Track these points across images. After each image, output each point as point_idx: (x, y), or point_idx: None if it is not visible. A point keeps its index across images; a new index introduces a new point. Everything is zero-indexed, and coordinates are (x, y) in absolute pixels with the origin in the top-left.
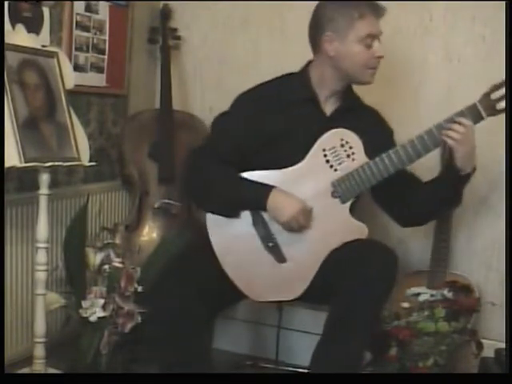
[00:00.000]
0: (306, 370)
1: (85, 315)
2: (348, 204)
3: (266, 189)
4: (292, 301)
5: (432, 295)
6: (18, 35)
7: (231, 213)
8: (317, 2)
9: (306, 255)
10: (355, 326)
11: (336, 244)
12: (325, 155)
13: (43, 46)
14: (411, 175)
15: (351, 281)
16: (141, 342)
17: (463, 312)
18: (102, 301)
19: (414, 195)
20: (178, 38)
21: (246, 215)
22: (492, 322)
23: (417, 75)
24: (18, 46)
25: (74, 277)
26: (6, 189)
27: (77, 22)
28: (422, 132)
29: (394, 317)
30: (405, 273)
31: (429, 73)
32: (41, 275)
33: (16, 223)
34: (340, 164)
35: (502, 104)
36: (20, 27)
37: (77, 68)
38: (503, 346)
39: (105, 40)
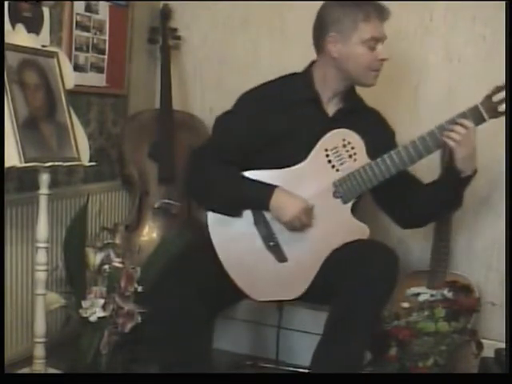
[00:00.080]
0: (306, 370)
1: (85, 315)
2: (349, 204)
3: (269, 188)
4: (293, 300)
5: (432, 295)
6: (18, 35)
7: (233, 212)
8: (321, 2)
9: (307, 255)
10: (356, 326)
11: (337, 244)
12: (327, 155)
13: (43, 46)
14: (412, 177)
15: (352, 281)
16: (141, 342)
17: (463, 312)
18: (101, 301)
19: (415, 197)
20: (178, 38)
21: (248, 214)
22: (492, 322)
23: (417, 75)
24: (18, 46)
25: (74, 277)
26: (6, 189)
27: (77, 21)
28: (424, 133)
29: (394, 317)
30: (405, 273)
31: (429, 73)
32: (41, 275)
33: (16, 223)
34: (342, 164)
35: (504, 106)
36: (20, 27)
37: (77, 68)
38: (503, 345)
39: (105, 40)
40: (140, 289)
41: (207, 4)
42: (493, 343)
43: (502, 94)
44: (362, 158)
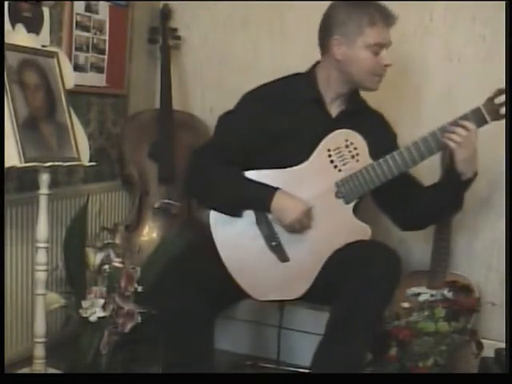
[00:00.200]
0: (307, 371)
1: (85, 315)
2: (352, 204)
3: (270, 190)
4: (294, 300)
5: (432, 295)
6: (18, 35)
7: (233, 212)
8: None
9: (308, 255)
10: (357, 327)
11: (339, 244)
12: (329, 155)
13: (43, 46)
14: (413, 179)
15: (354, 281)
16: (141, 342)
17: (463, 312)
18: (101, 301)
19: (415, 199)
20: (178, 38)
21: (250, 214)
22: (492, 322)
23: (417, 75)
24: (18, 46)
25: (73, 277)
26: (6, 189)
27: (77, 21)
28: (426, 134)
29: (394, 317)
30: (405, 273)
31: (429, 73)
32: (41, 275)
33: (16, 223)
34: (344, 165)
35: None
36: (20, 27)
37: (77, 68)
38: (503, 345)
39: (105, 40)
40: (140, 289)
41: (207, 4)
42: (493, 343)
43: (504, 97)
44: (365, 158)
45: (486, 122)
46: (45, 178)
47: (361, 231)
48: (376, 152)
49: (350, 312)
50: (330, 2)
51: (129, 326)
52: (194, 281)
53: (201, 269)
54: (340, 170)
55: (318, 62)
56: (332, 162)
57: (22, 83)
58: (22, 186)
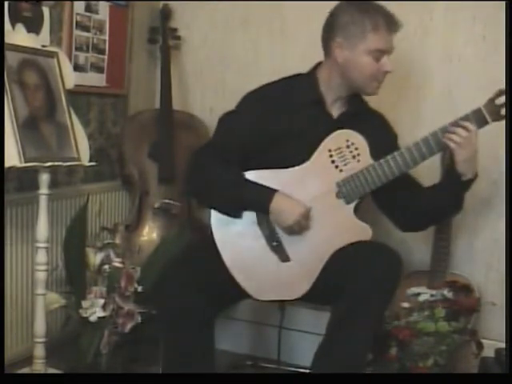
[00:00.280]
0: (307, 371)
1: (85, 315)
2: (352, 205)
3: (269, 192)
4: (295, 300)
5: (432, 295)
6: (17, 35)
7: (233, 212)
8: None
9: (309, 255)
10: (358, 327)
11: (340, 244)
12: (330, 155)
13: (43, 46)
14: (413, 180)
15: (355, 281)
16: (141, 342)
17: (463, 312)
18: (101, 301)
19: (416, 200)
20: (178, 38)
21: (251, 214)
22: (492, 322)
23: (417, 75)
24: (18, 45)
25: (73, 277)
26: (6, 189)
27: (77, 21)
28: (427, 134)
29: (394, 317)
30: (405, 273)
31: (429, 73)
32: (41, 275)
33: (16, 223)
34: (345, 165)
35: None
36: (20, 27)
37: (77, 68)
38: (503, 345)
39: (105, 40)
40: (140, 289)
41: (207, 4)
42: (493, 343)
43: (504, 98)
44: (366, 158)
45: (486, 123)
46: (45, 178)
47: (362, 231)
48: (377, 153)
49: (351, 312)
50: (329, 2)
51: (129, 326)
52: (194, 281)
53: (201, 269)
54: (341, 171)
55: (319, 63)
56: (333, 162)
57: (21, 83)
58: (21, 186)
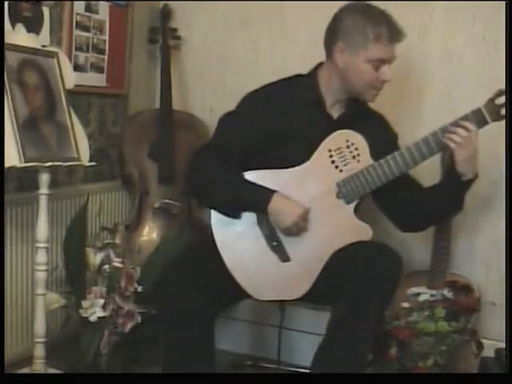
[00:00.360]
0: (307, 371)
1: (85, 315)
2: (353, 205)
3: (268, 193)
4: (295, 300)
5: (432, 295)
6: (17, 35)
7: (232, 212)
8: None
9: (309, 255)
10: (358, 327)
11: (340, 245)
12: (330, 156)
13: (43, 46)
14: (413, 180)
15: (355, 281)
16: (141, 342)
17: (463, 312)
18: (102, 301)
19: (416, 200)
20: (178, 38)
21: (251, 214)
22: (492, 322)
23: (417, 75)
24: (18, 45)
25: (73, 277)
26: (6, 189)
27: (77, 21)
28: (427, 134)
29: (394, 317)
30: (405, 273)
31: (429, 73)
32: (41, 275)
33: (16, 223)
34: (345, 165)
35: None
36: (20, 27)
37: (77, 68)
38: (503, 345)
39: (105, 40)
40: (140, 289)
41: (207, 4)
42: (493, 343)
43: (504, 98)
44: (366, 159)
45: (486, 123)
46: (45, 178)
47: (362, 231)
48: (377, 153)
49: (351, 312)
50: (329, 3)
51: (129, 326)
52: (194, 281)
53: (201, 269)
54: (341, 171)
55: (320, 64)
56: (333, 162)
57: (21, 83)
58: (21, 186)
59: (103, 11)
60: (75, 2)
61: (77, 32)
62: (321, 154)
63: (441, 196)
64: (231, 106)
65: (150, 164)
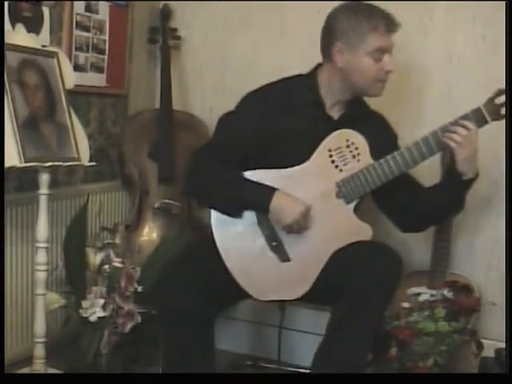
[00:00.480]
0: (307, 371)
1: (85, 315)
2: (352, 205)
3: (269, 191)
4: (295, 300)
5: (432, 295)
6: (17, 35)
7: (232, 212)
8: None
9: (309, 255)
10: (358, 327)
11: (340, 244)
12: (330, 155)
13: (43, 46)
14: (413, 180)
15: (355, 281)
16: (141, 342)
17: (463, 312)
18: (102, 301)
19: (416, 200)
20: (178, 38)
21: (251, 214)
22: (492, 322)
23: (417, 75)
24: (18, 45)
25: (73, 277)
26: (6, 189)
27: (77, 21)
28: (427, 134)
29: (394, 317)
30: (405, 273)
31: (429, 73)
32: (41, 275)
33: (16, 223)
34: (345, 165)
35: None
36: (20, 27)
37: (77, 68)
38: (503, 345)
39: (105, 40)
40: (140, 289)
41: (207, 4)
42: (493, 343)
43: (504, 98)
44: (366, 158)
45: (486, 122)
46: (45, 178)
47: (362, 231)
48: (377, 154)
49: (351, 312)
50: (329, 3)
51: (129, 326)
52: (194, 281)
53: (201, 269)
54: (341, 170)
55: (319, 64)
56: (333, 161)
57: (21, 83)
58: (21, 185)
59: (103, 11)
60: (75, 2)
61: (77, 32)
62: (321, 154)
63: (441, 196)
64: (231, 106)
65: (150, 164)
